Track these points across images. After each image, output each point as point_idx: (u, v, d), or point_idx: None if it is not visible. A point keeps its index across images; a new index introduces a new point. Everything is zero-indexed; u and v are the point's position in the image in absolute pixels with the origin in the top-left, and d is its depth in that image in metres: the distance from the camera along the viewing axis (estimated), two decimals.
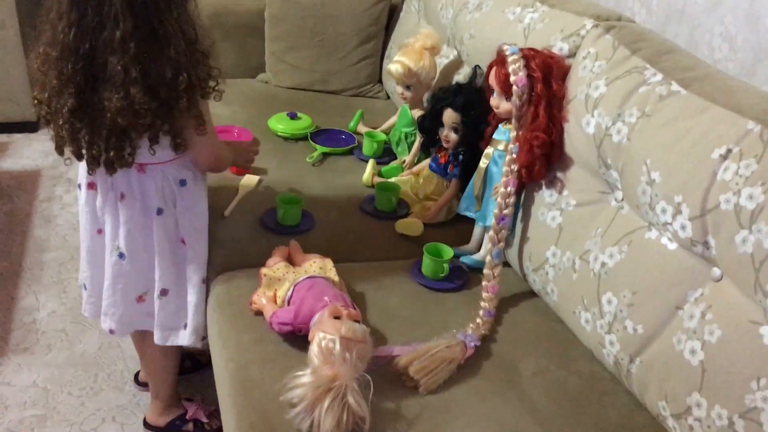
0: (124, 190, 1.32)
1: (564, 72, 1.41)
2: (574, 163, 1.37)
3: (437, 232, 1.63)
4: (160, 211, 1.34)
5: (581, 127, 1.32)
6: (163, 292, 1.41)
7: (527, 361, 1.26)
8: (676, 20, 1.58)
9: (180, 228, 1.38)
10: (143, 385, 1.74)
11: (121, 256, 1.37)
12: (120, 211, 1.34)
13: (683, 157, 1.10)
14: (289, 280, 1.32)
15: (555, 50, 1.45)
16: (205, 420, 1.61)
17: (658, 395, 1.10)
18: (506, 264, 1.50)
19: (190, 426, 1.62)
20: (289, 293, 1.29)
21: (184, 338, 1.45)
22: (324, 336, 1.11)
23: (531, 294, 1.47)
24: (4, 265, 2.13)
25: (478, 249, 1.56)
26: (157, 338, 1.45)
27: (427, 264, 1.45)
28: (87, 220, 1.39)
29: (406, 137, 1.92)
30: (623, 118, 1.23)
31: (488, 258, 1.40)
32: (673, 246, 1.13)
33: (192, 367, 1.80)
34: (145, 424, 1.63)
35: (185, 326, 1.45)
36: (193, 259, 1.41)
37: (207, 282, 1.45)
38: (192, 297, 1.42)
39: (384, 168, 1.86)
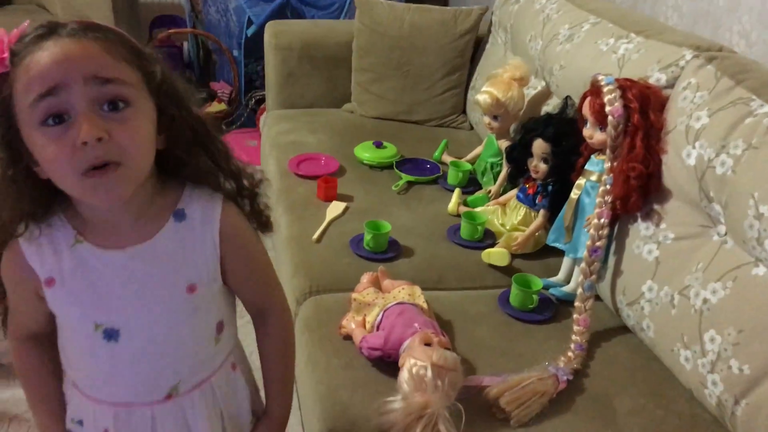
0: None
1: (662, 103, 1.38)
2: (672, 195, 1.33)
3: (524, 263, 1.61)
4: None
5: (681, 158, 1.28)
6: None
7: (622, 398, 1.21)
8: None
9: None
10: None
11: None
12: None
13: None
14: (378, 306, 1.32)
15: (652, 81, 1.42)
16: None
17: None
18: (597, 298, 1.46)
19: None
20: (379, 319, 1.29)
21: None
22: (415, 362, 1.10)
23: (624, 329, 1.42)
24: None
25: (568, 281, 1.53)
26: None
27: (515, 294, 1.43)
28: None
29: (492, 167, 1.91)
30: (728, 150, 1.19)
31: (579, 290, 1.37)
32: None
33: None
34: None
35: None
36: None
37: (297, 304, 1.47)
38: None
39: (470, 197, 1.86)
